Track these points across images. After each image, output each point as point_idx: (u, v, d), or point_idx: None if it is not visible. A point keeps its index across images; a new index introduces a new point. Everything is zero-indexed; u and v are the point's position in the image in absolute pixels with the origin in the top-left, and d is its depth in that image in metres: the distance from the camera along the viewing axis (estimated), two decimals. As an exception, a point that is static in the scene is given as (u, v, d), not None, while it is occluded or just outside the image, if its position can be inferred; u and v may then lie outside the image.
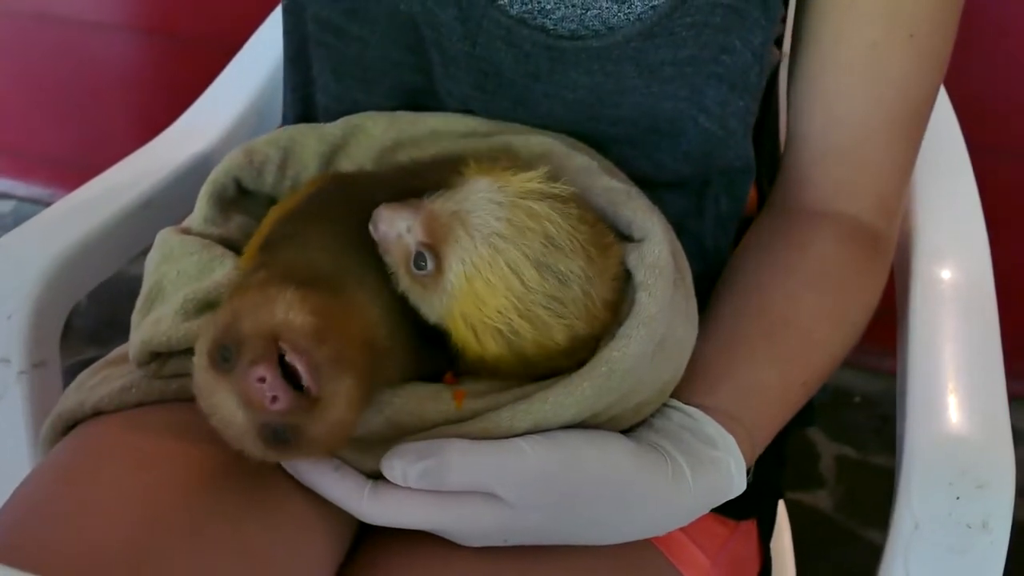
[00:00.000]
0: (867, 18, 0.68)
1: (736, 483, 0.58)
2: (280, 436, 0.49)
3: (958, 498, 0.60)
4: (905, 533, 0.60)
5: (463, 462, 0.52)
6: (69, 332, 0.77)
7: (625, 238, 0.60)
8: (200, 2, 1.73)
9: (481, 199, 0.53)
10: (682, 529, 0.64)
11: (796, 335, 0.67)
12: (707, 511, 0.59)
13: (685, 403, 0.61)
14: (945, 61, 0.71)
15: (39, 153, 2.03)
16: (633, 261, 0.57)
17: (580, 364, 0.55)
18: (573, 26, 0.66)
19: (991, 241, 0.79)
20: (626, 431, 0.58)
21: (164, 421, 0.59)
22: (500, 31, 0.65)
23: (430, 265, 0.53)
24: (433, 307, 0.54)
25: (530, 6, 0.65)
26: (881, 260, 0.74)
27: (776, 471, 0.76)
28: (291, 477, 0.55)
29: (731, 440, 0.59)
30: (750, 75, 0.67)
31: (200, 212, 0.67)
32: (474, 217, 0.52)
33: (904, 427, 0.66)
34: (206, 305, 0.60)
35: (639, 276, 0.56)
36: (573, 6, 0.65)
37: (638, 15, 0.64)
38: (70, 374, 0.67)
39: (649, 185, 0.67)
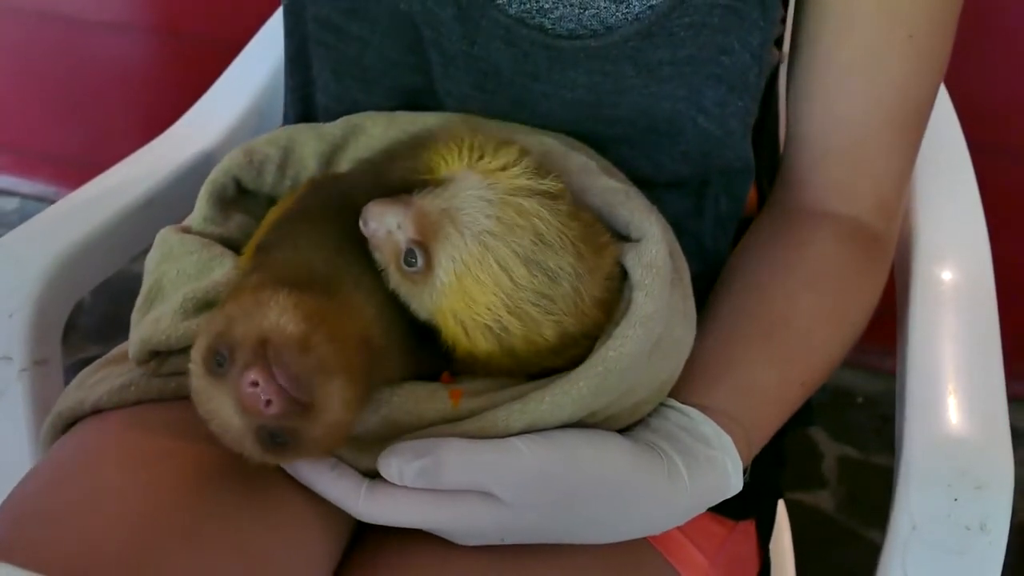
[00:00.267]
0: (866, 18, 0.68)
1: (733, 482, 0.58)
2: (277, 439, 0.49)
3: (956, 499, 0.59)
4: (903, 534, 0.59)
5: (459, 461, 0.52)
6: (73, 330, 0.77)
7: (623, 238, 0.60)
8: (203, 1, 1.73)
9: (471, 196, 0.53)
10: (680, 529, 0.64)
11: (794, 335, 0.67)
12: (704, 510, 0.59)
13: (682, 403, 0.61)
14: (945, 61, 0.71)
15: (43, 151, 2.04)
16: (630, 261, 0.57)
17: (572, 362, 0.55)
18: (571, 25, 0.66)
19: (991, 241, 0.79)
20: (623, 430, 0.58)
21: (163, 419, 0.59)
22: (499, 30, 0.65)
23: (420, 262, 0.53)
24: (423, 304, 0.54)
25: (528, 5, 0.65)
26: (881, 260, 0.74)
27: (775, 471, 0.76)
28: (289, 476, 0.56)
29: (728, 439, 0.59)
30: (749, 75, 0.67)
31: (200, 211, 0.67)
32: (464, 214, 0.52)
33: (903, 427, 0.65)
34: (205, 304, 0.60)
35: (636, 276, 0.56)
36: (571, 5, 0.65)
37: (636, 15, 0.64)
38: (73, 372, 0.68)
39: (648, 185, 0.67)
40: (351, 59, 0.71)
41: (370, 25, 0.69)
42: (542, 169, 0.55)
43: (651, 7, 0.64)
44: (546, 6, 0.65)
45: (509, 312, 0.52)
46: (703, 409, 0.60)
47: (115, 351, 0.67)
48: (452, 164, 0.55)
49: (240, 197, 0.70)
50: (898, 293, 0.79)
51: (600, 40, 0.65)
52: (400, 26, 0.68)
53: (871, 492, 1.50)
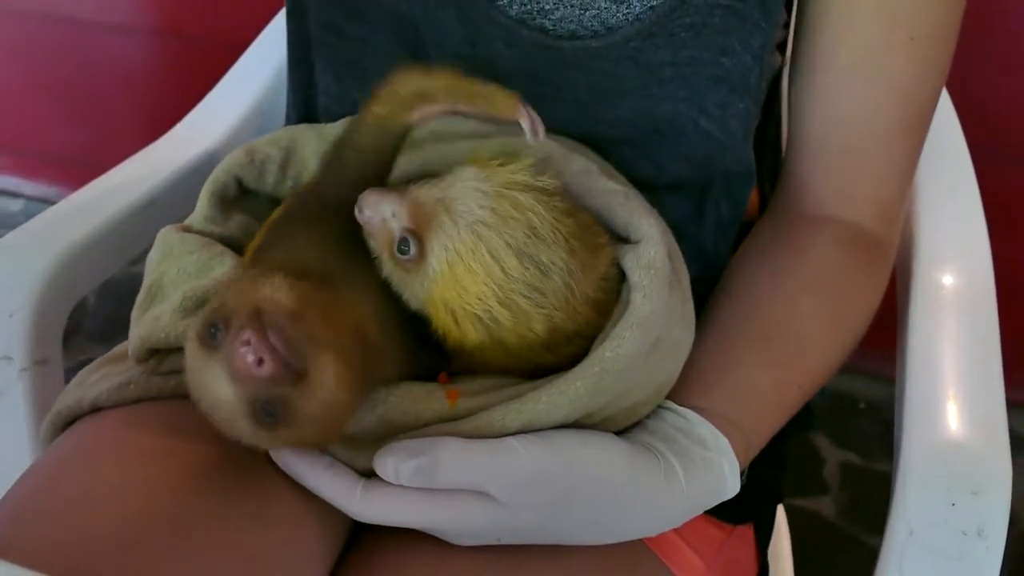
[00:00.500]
0: (867, 20, 0.68)
1: (730, 484, 0.58)
2: (269, 411, 0.49)
3: (954, 505, 0.59)
4: (900, 539, 0.59)
5: (455, 460, 0.52)
6: (77, 332, 0.77)
7: (623, 240, 0.60)
8: (206, 3, 1.73)
9: (467, 187, 0.53)
10: (676, 532, 0.64)
11: (793, 338, 0.66)
12: (700, 512, 0.59)
13: (680, 404, 0.61)
14: (946, 64, 0.71)
15: (46, 152, 2.04)
16: (629, 262, 0.57)
17: (568, 360, 0.55)
18: (572, 26, 0.66)
19: (993, 246, 0.79)
20: (620, 432, 0.58)
21: (161, 418, 0.59)
22: (500, 32, 0.65)
23: (413, 250, 0.53)
24: (415, 292, 0.54)
25: (529, 7, 0.65)
26: (881, 265, 0.74)
27: (774, 475, 0.76)
28: (285, 475, 0.56)
29: (725, 441, 0.59)
30: (750, 77, 0.67)
31: (201, 211, 0.67)
32: (459, 204, 0.53)
33: (901, 432, 0.65)
34: (205, 302, 0.60)
35: (634, 277, 0.56)
36: (572, 6, 0.65)
37: (636, 15, 0.64)
38: (77, 374, 0.68)
39: (649, 188, 0.67)
40: (352, 61, 0.71)
41: (371, 27, 0.69)
42: (540, 166, 0.55)
43: (652, 8, 0.64)
44: (547, 7, 0.65)
45: (499, 303, 0.53)
46: (700, 411, 0.60)
47: (115, 350, 0.68)
48: (393, 109, 0.56)
49: (241, 197, 0.70)
50: (899, 297, 0.79)
51: (601, 41, 0.65)
52: (401, 28, 0.68)
53: (873, 498, 1.49)
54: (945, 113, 0.87)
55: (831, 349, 0.68)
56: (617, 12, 0.65)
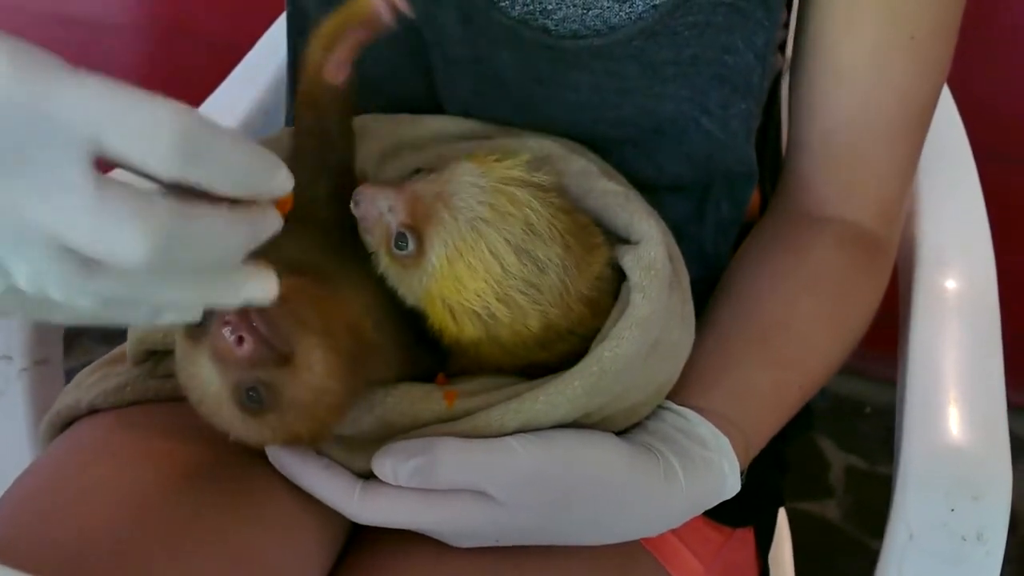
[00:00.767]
0: (867, 19, 0.67)
1: (729, 484, 0.58)
2: (254, 397, 0.48)
3: (953, 509, 0.59)
4: (900, 543, 0.59)
5: (453, 460, 0.52)
6: (82, 331, 0.77)
7: (623, 241, 0.60)
8: (210, 3, 1.74)
9: (464, 183, 0.53)
10: (675, 534, 0.64)
11: (793, 338, 0.66)
12: (700, 512, 0.58)
13: (680, 404, 0.60)
14: (947, 64, 0.70)
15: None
16: (628, 262, 0.57)
17: (560, 358, 0.55)
18: (575, 26, 0.65)
19: (995, 246, 0.79)
20: (620, 432, 0.58)
21: (157, 420, 0.59)
22: (501, 33, 0.65)
23: (411, 246, 0.53)
24: (411, 288, 0.54)
25: (531, 7, 0.65)
26: (882, 265, 0.73)
27: (775, 478, 0.75)
28: (282, 477, 0.56)
29: (725, 441, 0.59)
30: (752, 77, 0.67)
31: (200, 211, 0.67)
32: (458, 200, 0.53)
33: (902, 436, 0.65)
34: (203, 304, 0.60)
35: (634, 278, 0.56)
36: (574, 6, 0.65)
37: (639, 14, 0.64)
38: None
39: (650, 188, 0.66)
40: (352, 61, 0.71)
41: (371, 27, 0.69)
42: (535, 163, 0.55)
43: (654, 6, 0.64)
44: (549, 7, 0.65)
45: (498, 299, 0.53)
46: (700, 411, 0.60)
47: (114, 351, 0.68)
48: (311, 81, 0.55)
49: (241, 197, 0.70)
50: (901, 300, 0.79)
51: (603, 40, 0.65)
52: (401, 30, 0.68)
53: (877, 502, 1.48)
54: (947, 112, 0.87)
55: (831, 349, 0.68)
56: (620, 11, 0.64)
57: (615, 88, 0.66)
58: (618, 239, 0.60)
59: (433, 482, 0.52)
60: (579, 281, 0.54)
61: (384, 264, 0.55)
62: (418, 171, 0.55)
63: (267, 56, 1.00)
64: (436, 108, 0.70)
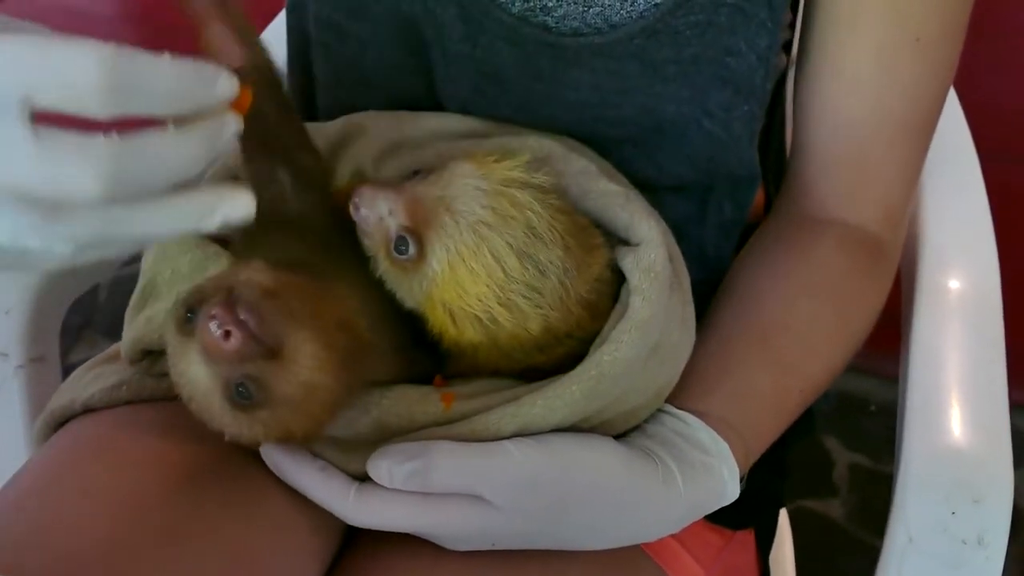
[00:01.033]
0: (872, 20, 0.67)
1: (729, 489, 0.58)
2: (243, 392, 0.48)
3: (954, 512, 0.59)
4: (899, 546, 0.59)
5: (450, 463, 0.51)
6: (88, 326, 0.77)
7: (623, 242, 0.59)
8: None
9: (465, 185, 0.52)
10: (675, 537, 0.64)
11: (793, 341, 0.66)
12: (699, 517, 0.58)
13: (679, 408, 0.60)
14: (953, 66, 0.70)
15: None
16: (628, 264, 0.57)
17: (557, 361, 0.55)
18: (575, 24, 0.65)
19: (999, 247, 0.78)
20: (619, 436, 0.58)
21: (152, 420, 0.59)
22: (502, 30, 0.65)
23: (412, 250, 0.52)
24: (412, 292, 0.54)
25: (532, 4, 0.65)
26: (885, 268, 0.73)
27: (776, 481, 0.75)
28: (276, 479, 0.55)
29: (724, 446, 0.58)
30: (755, 79, 0.67)
31: (198, 210, 0.67)
32: (459, 203, 0.52)
33: (903, 437, 0.65)
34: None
35: (634, 280, 0.56)
36: (575, 3, 0.64)
37: (641, 12, 0.64)
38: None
39: (651, 188, 0.66)
40: (351, 61, 0.71)
41: (371, 26, 0.69)
42: (535, 163, 0.54)
43: (656, 5, 0.63)
44: (549, 4, 0.65)
45: (499, 303, 0.52)
46: (700, 415, 0.60)
47: (110, 349, 0.68)
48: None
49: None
50: (904, 301, 0.78)
51: (604, 38, 0.64)
52: (401, 27, 0.67)
53: (881, 501, 1.48)
54: (952, 113, 0.86)
55: (833, 353, 0.67)
56: (621, 9, 0.64)
57: (615, 87, 0.66)
58: (618, 240, 0.59)
59: (429, 485, 0.51)
60: (579, 283, 0.54)
61: (383, 267, 0.54)
62: (417, 172, 0.54)
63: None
64: (436, 106, 0.70)
